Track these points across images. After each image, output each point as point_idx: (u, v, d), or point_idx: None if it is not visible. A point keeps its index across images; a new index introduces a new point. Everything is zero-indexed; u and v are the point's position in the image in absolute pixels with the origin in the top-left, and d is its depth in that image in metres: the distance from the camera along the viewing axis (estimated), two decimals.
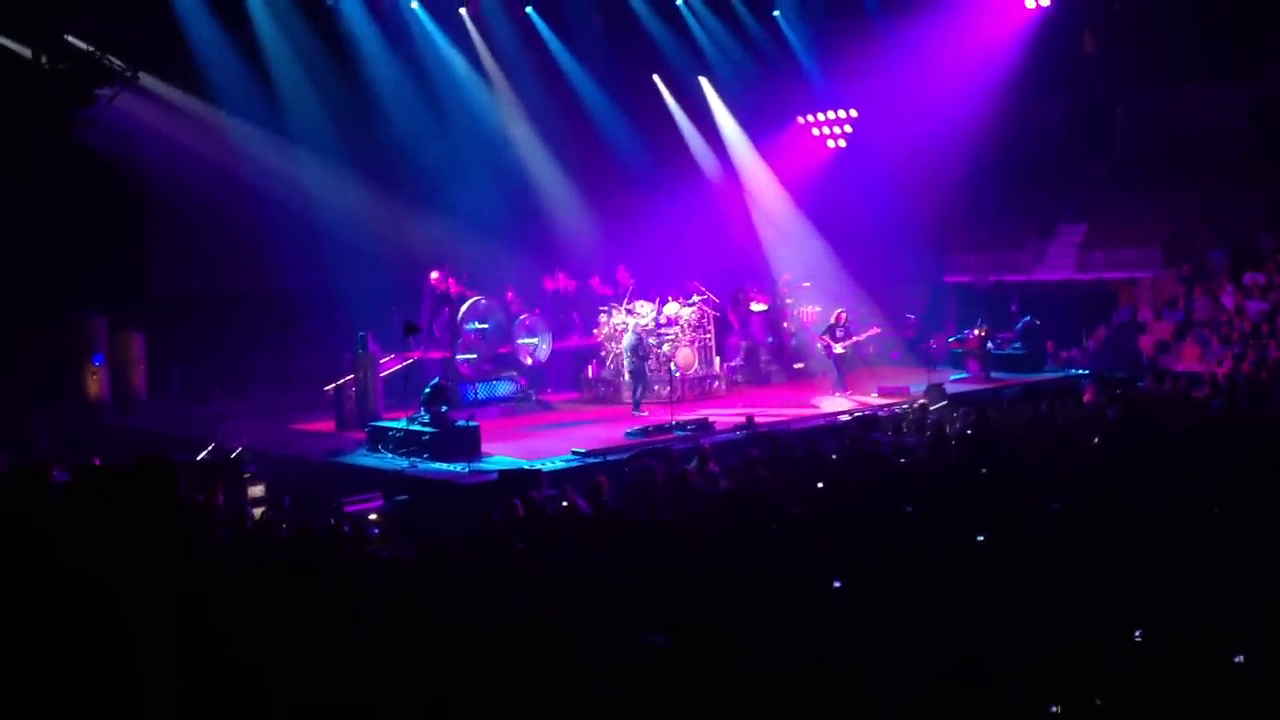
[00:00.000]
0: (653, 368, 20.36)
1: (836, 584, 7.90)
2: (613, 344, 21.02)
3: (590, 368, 21.69)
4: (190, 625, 5.98)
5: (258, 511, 13.86)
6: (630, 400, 19.70)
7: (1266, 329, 21.56)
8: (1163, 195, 25.53)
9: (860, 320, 21.90)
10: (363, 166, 22.24)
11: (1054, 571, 7.83)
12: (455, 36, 23.48)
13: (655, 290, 22.02)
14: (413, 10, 23.02)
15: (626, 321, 21.00)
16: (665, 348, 20.72)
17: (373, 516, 13.31)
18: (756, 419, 17.78)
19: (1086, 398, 17.09)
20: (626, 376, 20.06)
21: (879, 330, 22.02)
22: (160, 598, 5.70)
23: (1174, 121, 26.32)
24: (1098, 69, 27.52)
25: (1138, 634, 6.64)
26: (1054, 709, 5.98)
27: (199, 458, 15.38)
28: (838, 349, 20.71)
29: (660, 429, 17.43)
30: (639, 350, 19.79)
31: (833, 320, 21.00)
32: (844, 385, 20.59)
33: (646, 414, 18.93)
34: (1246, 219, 24.32)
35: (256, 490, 14.84)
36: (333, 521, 12.14)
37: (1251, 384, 17.59)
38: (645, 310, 21.02)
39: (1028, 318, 23.25)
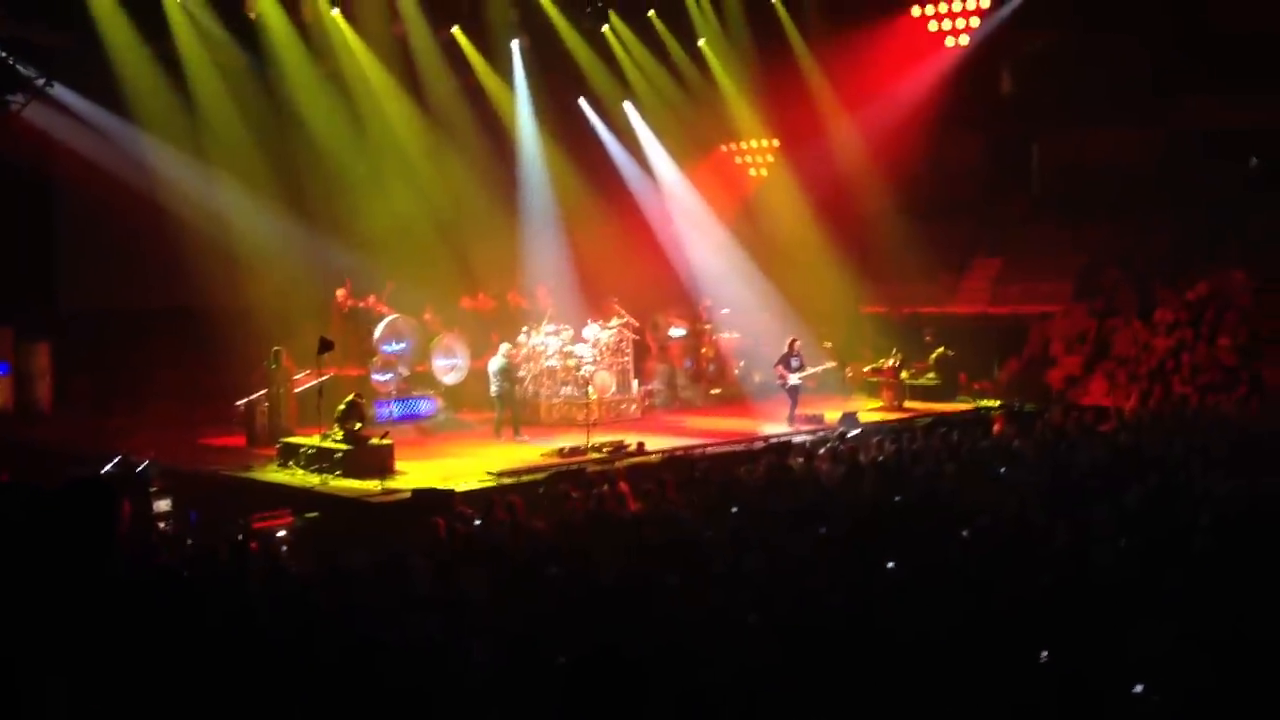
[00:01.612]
0: (523, 392, 20.30)
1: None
2: (530, 364, 20.98)
3: None
4: (89, 648, 5.82)
5: (162, 526, 13.63)
6: (497, 423, 19.54)
7: (1172, 365, 21.99)
8: (1076, 232, 26.08)
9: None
10: (280, 183, 21.96)
11: (962, 599, 7.90)
12: (379, 54, 23.31)
13: (576, 313, 22.02)
14: (336, 27, 22.82)
15: (546, 343, 21.00)
16: (583, 370, 20.70)
17: (281, 534, 13.11)
18: (679, 444, 17.86)
19: (996, 429, 17.36)
20: (493, 396, 19.64)
21: (835, 364, 22.09)
22: (72, 628, 5.55)
23: (1087, 159, 26.90)
24: (1014, 108, 28.07)
25: (1044, 654, 6.71)
26: None
27: (103, 471, 15.06)
28: (793, 379, 20.71)
29: (575, 451, 17.41)
30: (507, 374, 19.51)
31: (786, 350, 20.93)
32: (795, 417, 20.46)
33: (525, 438, 18.94)
34: (1156, 256, 24.87)
35: (163, 505, 14.59)
36: (240, 538, 11.95)
37: (1156, 419, 17.94)
38: (555, 336, 21.05)
39: (941, 349, 23.57)
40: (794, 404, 20.63)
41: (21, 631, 5.35)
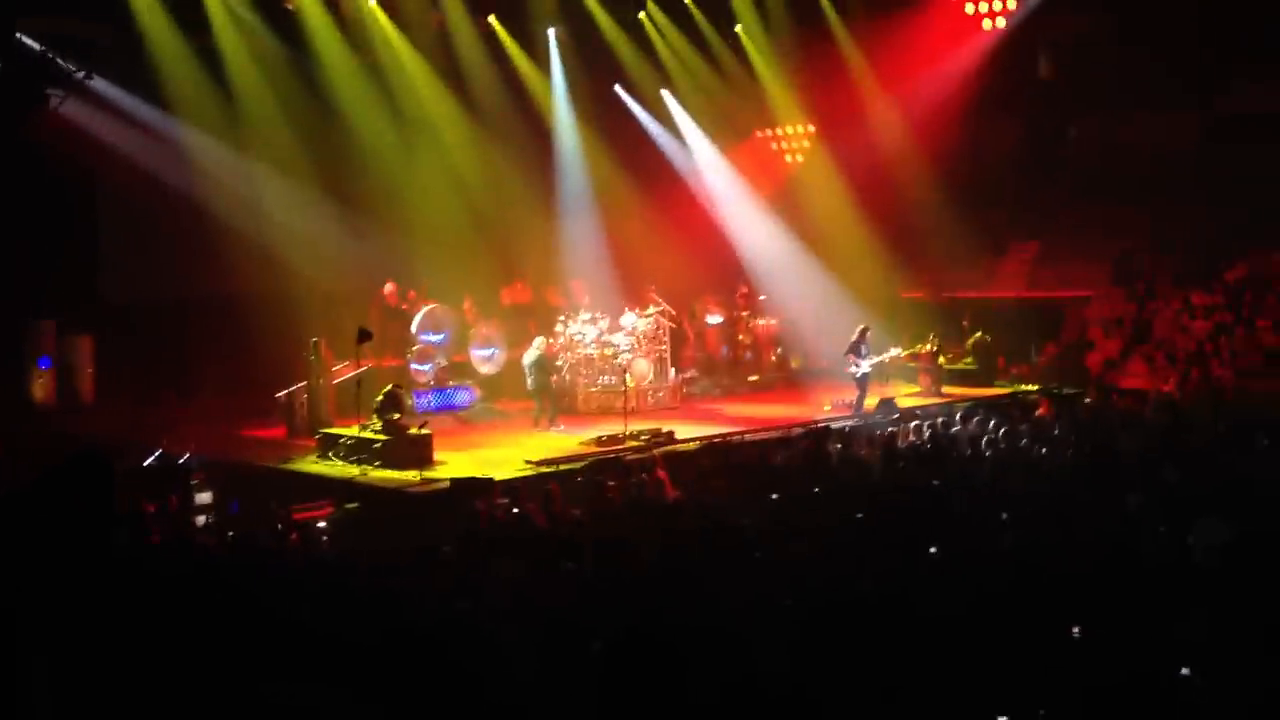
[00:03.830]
0: (558, 383, 20.20)
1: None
2: (567, 354, 20.97)
3: None
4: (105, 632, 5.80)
5: (202, 519, 13.73)
6: (536, 415, 19.50)
7: (1211, 348, 21.78)
8: (1113, 215, 25.74)
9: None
10: (319, 174, 21.95)
11: (1004, 583, 7.86)
12: (418, 44, 23.35)
13: (613, 301, 22.00)
14: (375, 18, 22.86)
15: (583, 332, 20.98)
16: (620, 359, 20.66)
17: (321, 524, 13.19)
18: (716, 431, 17.82)
19: (1035, 413, 17.23)
20: (529, 388, 19.62)
21: (900, 350, 21.98)
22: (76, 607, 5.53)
23: (1125, 143, 26.57)
24: (1052, 91, 27.79)
25: (1075, 630, 6.67)
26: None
27: (145, 464, 15.21)
28: (865, 367, 20.47)
29: (613, 439, 17.41)
30: (542, 365, 19.48)
31: (856, 337, 20.59)
32: (861, 405, 20.22)
33: (562, 429, 18.90)
34: (1195, 240, 24.59)
35: (204, 497, 14.69)
36: (279, 528, 12.03)
37: (1196, 402, 17.78)
38: (591, 325, 20.99)
39: (979, 334, 23.43)
40: (864, 393, 20.39)
41: (13, 610, 5.34)
